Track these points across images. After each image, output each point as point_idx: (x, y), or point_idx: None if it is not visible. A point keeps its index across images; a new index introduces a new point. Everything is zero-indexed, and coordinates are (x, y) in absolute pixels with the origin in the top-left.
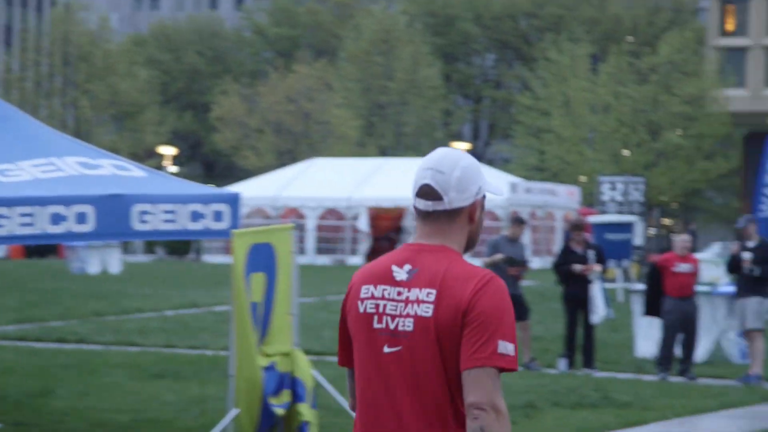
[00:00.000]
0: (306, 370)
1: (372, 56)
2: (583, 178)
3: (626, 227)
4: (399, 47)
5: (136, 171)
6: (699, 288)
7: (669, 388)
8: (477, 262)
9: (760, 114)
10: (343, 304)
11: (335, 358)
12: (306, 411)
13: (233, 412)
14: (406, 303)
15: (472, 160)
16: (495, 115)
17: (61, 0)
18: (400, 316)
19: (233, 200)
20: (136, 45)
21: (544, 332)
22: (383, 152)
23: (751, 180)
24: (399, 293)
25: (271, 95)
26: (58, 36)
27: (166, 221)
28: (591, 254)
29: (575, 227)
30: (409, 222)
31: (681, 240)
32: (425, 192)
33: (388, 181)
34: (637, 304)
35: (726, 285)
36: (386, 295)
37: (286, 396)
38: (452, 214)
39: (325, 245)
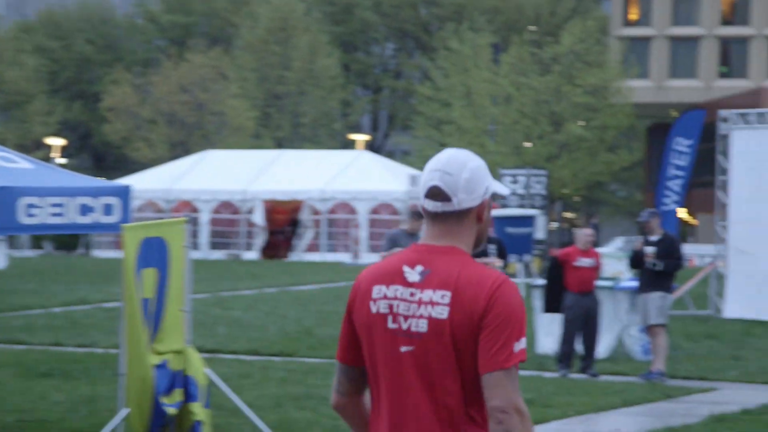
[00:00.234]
0: (199, 369)
1: (268, 45)
2: None
3: (528, 221)
4: (296, 36)
5: (22, 163)
6: (601, 283)
7: (570, 385)
8: (375, 256)
9: (664, 105)
10: (351, 303)
11: (229, 356)
12: (199, 410)
13: (123, 412)
14: (419, 304)
15: (479, 161)
16: (395, 106)
17: None
18: (413, 317)
19: (124, 193)
20: (23, 32)
21: None
22: (280, 144)
23: (655, 173)
24: (411, 294)
25: (164, 85)
26: None
27: (54, 215)
28: (491, 248)
29: None
30: (306, 215)
31: (583, 234)
32: (434, 193)
33: (285, 173)
34: (538, 300)
35: (628, 280)
36: (398, 296)
37: (178, 395)
38: (461, 215)
39: (220, 240)
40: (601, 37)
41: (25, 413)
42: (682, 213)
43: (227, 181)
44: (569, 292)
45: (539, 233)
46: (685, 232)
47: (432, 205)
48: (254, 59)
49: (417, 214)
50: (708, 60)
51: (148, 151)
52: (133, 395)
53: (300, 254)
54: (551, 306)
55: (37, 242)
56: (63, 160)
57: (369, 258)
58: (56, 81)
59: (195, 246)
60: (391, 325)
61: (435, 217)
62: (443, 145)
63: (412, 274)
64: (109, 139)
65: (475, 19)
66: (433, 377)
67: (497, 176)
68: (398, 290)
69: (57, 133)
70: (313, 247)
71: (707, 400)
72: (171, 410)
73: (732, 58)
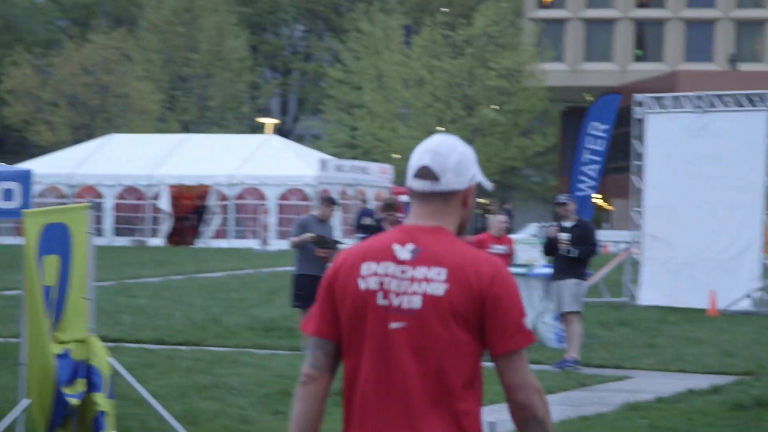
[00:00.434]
0: (102, 358)
1: (174, 26)
2: (396, 156)
3: None
4: (203, 17)
5: None
6: (514, 270)
7: (483, 374)
8: (284, 243)
9: (579, 89)
10: (332, 279)
11: (134, 345)
12: (102, 401)
13: (24, 403)
14: (412, 281)
15: (467, 148)
16: (304, 89)
17: None
18: (405, 293)
19: (24, 178)
20: None
21: None
22: (186, 128)
23: (569, 158)
24: (403, 272)
25: (66, 66)
26: None
27: None
28: None
29: (387, 207)
30: (213, 201)
31: (496, 221)
32: (424, 173)
33: (192, 158)
34: None
35: (542, 266)
36: (389, 272)
37: (80, 385)
38: (448, 196)
39: (124, 226)
40: (515, 20)
41: None
42: (597, 199)
43: (132, 165)
44: None
45: None
46: (600, 218)
47: (421, 185)
48: (159, 40)
49: (328, 200)
50: (623, 43)
51: (49, 134)
52: (35, 385)
53: (207, 241)
54: None
55: None
56: None
57: (278, 245)
58: None
59: (99, 232)
60: (381, 301)
61: (422, 197)
62: (354, 129)
63: (403, 252)
64: (9, 122)
65: (387, 1)
66: (425, 353)
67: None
68: (389, 267)
69: None
70: (220, 234)
71: (622, 388)
72: (73, 401)
73: (647, 41)
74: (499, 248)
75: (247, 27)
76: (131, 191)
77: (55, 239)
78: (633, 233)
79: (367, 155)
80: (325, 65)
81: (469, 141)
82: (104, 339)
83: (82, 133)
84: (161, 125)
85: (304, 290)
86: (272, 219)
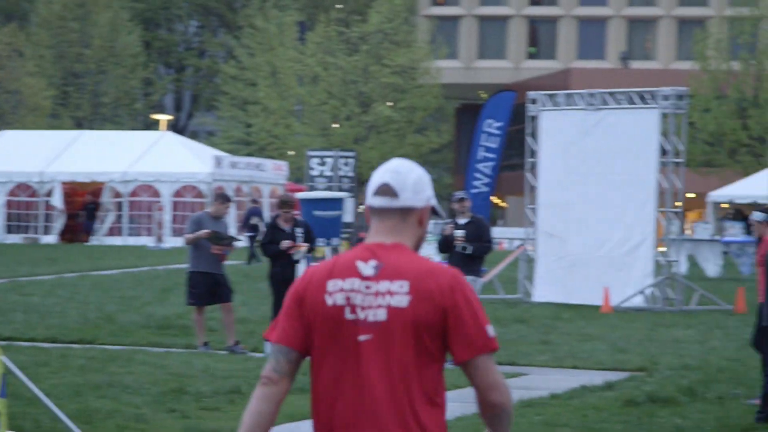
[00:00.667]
0: None
1: (66, 21)
2: (291, 153)
3: (336, 204)
4: (96, 12)
5: None
6: None
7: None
8: (179, 240)
9: (473, 86)
10: (302, 291)
11: (27, 344)
12: None
13: None
14: (376, 295)
15: (423, 171)
16: (199, 86)
17: None
18: (370, 307)
19: None
20: None
21: (249, 314)
22: (79, 124)
23: (464, 155)
24: (367, 287)
25: None
26: None
27: None
28: (299, 232)
29: (283, 204)
30: (107, 198)
31: None
32: (383, 190)
33: (85, 154)
34: None
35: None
36: (355, 288)
37: None
38: (406, 213)
39: (16, 223)
40: (409, 17)
41: None
42: (492, 196)
43: (24, 162)
44: None
45: (348, 216)
46: (495, 215)
47: (379, 201)
48: (51, 36)
49: (222, 197)
50: (516, 41)
51: None
52: None
53: (101, 238)
54: None
55: None
56: None
57: (172, 242)
58: None
59: None
60: (348, 315)
61: (382, 213)
62: (249, 126)
63: (366, 268)
64: None
65: None
66: (391, 364)
67: (304, 158)
68: (354, 283)
69: None
70: (114, 231)
71: (517, 385)
72: None
73: (540, 38)
74: None
75: (140, 23)
76: (23, 188)
77: None
78: (527, 230)
79: (262, 152)
80: (219, 61)
81: (363, 138)
82: None
83: None
84: (54, 121)
85: (199, 288)
86: (167, 216)
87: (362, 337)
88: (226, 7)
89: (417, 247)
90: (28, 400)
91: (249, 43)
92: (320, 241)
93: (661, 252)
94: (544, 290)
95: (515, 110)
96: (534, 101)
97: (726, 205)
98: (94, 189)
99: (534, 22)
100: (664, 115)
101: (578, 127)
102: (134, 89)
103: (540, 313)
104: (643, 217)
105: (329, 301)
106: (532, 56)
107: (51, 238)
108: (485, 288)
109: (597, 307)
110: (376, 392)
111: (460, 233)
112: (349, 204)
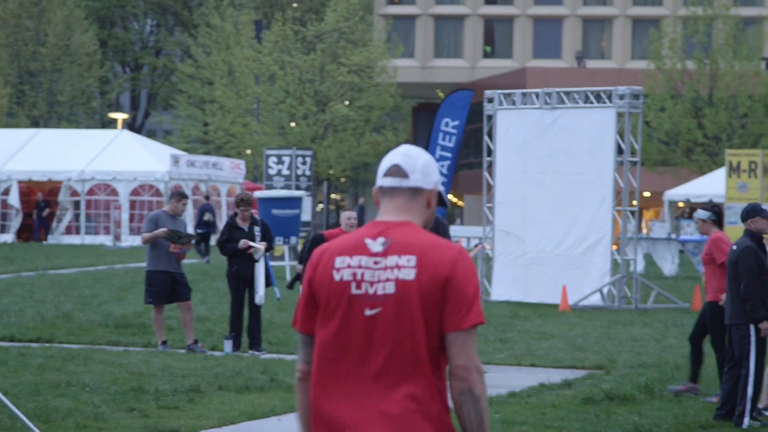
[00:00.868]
0: None
1: (21, 20)
2: (248, 151)
3: (294, 202)
4: (51, 10)
5: None
6: None
7: None
8: (137, 239)
9: (430, 85)
10: (311, 275)
11: None
12: None
13: None
14: (385, 269)
15: (431, 157)
16: (155, 84)
17: None
18: (379, 281)
19: None
20: None
21: (208, 313)
22: (36, 123)
23: None
24: (376, 262)
25: None
26: None
27: None
28: (257, 230)
29: (241, 202)
30: (64, 197)
31: (346, 217)
32: (394, 171)
33: (42, 153)
34: None
35: None
36: (362, 264)
37: None
38: (415, 193)
39: None
40: (366, 16)
41: None
42: (449, 194)
43: None
44: None
45: (306, 215)
46: (453, 213)
47: (390, 181)
48: (6, 34)
49: (178, 195)
50: (472, 40)
51: None
52: None
53: (58, 237)
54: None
55: None
56: None
57: (130, 241)
58: None
59: None
60: (355, 290)
61: (392, 192)
62: (206, 125)
63: (375, 245)
64: None
65: None
66: (401, 333)
67: (262, 156)
68: (362, 260)
69: None
70: (72, 230)
71: None
72: None
73: (496, 37)
74: None
75: (95, 21)
76: None
77: None
78: (485, 229)
79: (219, 151)
80: (175, 60)
81: (321, 137)
82: None
83: None
84: (10, 120)
85: (157, 286)
86: (124, 215)
87: (369, 312)
88: (182, 6)
89: (424, 228)
90: None
91: (205, 41)
92: (278, 240)
93: (618, 250)
94: (502, 289)
95: (472, 109)
96: (490, 100)
97: (682, 204)
98: (51, 188)
99: (490, 22)
100: (620, 115)
101: (535, 126)
102: (90, 88)
103: (498, 311)
104: (600, 216)
105: (336, 276)
106: (487, 55)
107: (7, 237)
108: None
109: (555, 306)
110: (382, 365)
111: None
112: (307, 203)
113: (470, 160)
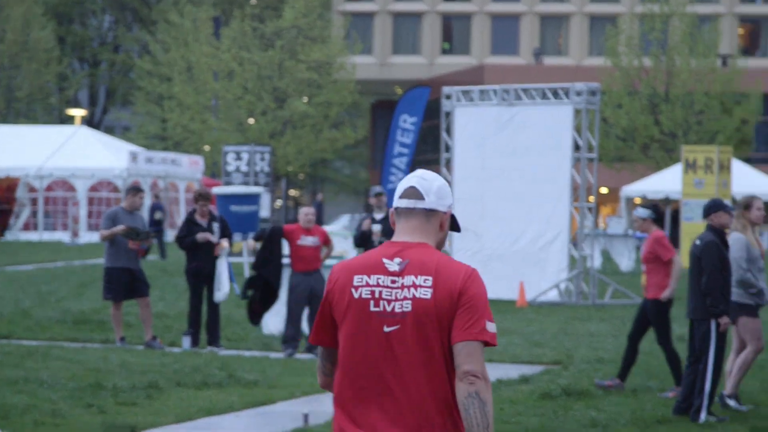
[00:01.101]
0: None
1: None
2: (206, 148)
3: (252, 198)
4: (8, 6)
5: None
6: (328, 261)
7: (296, 366)
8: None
9: (388, 82)
10: (329, 292)
11: None
12: None
13: None
14: (402, 288)
15: (445, 181)
16: (114, 81)
17: None
18: (396, 300)
19: None
20: None
21: (167, 309)
22: None
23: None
24: (393, 281)
25: None
26: None
27: None
28: (215, 226)
29: (200, 197)
30: (22, 193)
31: (304, 213)
32: (410, 193)
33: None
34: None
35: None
36: (380, 283)
37: None
38: (429, 215)
39: None
40: (324, 12)
41: None
42: None
43: None
44: (294, 271)
45: (264, 211)
46: None
47: (406, 203)
48: None
49: (134, 189)
50: (431, 36)
51: None
52: None
53: (16, 233)
54: (259, 266)
55: None
56: None
57: (88, 237)
58: None
59: None
60: (373, 308)
61: (408, 213)
62: (164, 121)
63: (392, 265)
64: None
65: None
66: (417, 350)
67: (220, 153)
68: (380, 278)
69: None
70: (30, 226)
71: None
72: None
73: (454, 34)
74: (309, 240)
75: (53, 17)
76: None
77: None
78: None
79: (177, 147)
80: (134, 56)
81: (279, 133)
82: None
83: None
84: None
85: (115, 283)
86: (82, 211)
87: (388, 328)
88: (141, 2)
89: (438, 249)
90: None
91: (164, 38)
92: (237, 236)
93: (575, 246)
94: None
95: (430, 106)
96: (448, 97)
97: (639, 200)
98: (9, 184)
99: (448, 18)
100: (577, 111)
101: (492, 122)
102: (48, 84)
103: None
104: (558, 212)
105: (355, 294)
106: (445, 52)
107: None
108: None
109: (512, 302)
110: (404, 379)
111: (377, 228)
112: (265, 199)
113: (428, 157)
